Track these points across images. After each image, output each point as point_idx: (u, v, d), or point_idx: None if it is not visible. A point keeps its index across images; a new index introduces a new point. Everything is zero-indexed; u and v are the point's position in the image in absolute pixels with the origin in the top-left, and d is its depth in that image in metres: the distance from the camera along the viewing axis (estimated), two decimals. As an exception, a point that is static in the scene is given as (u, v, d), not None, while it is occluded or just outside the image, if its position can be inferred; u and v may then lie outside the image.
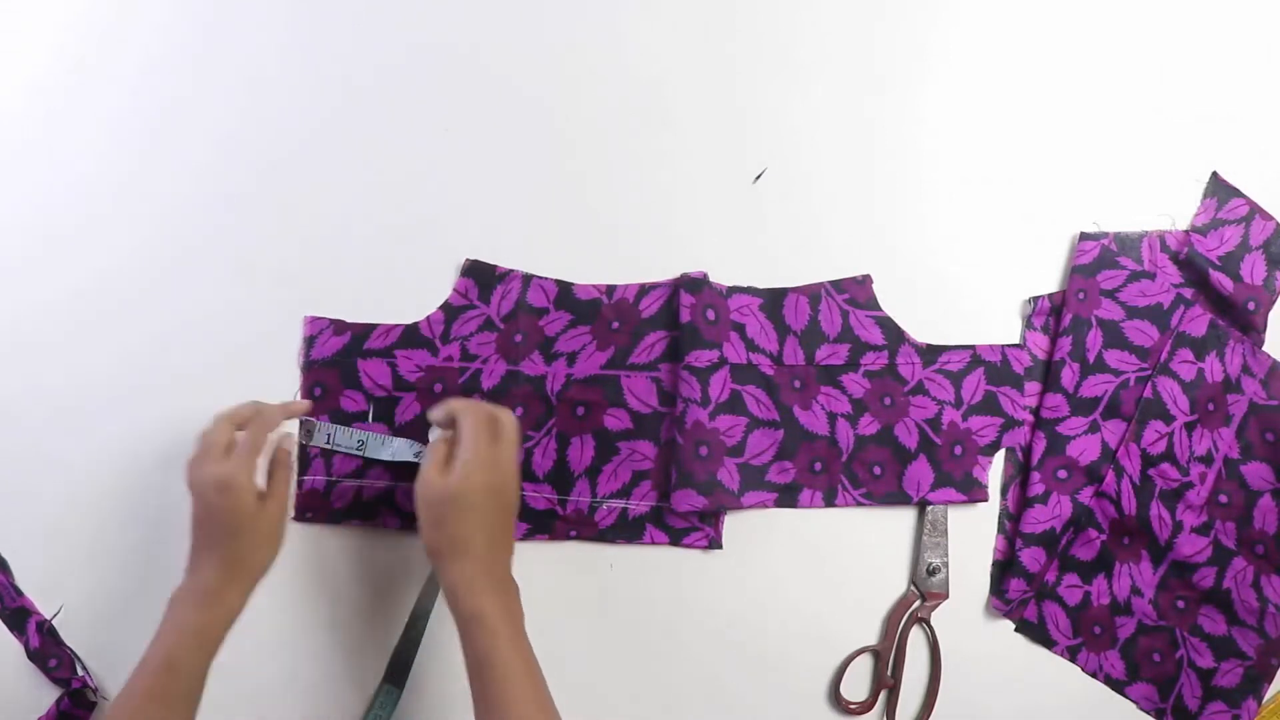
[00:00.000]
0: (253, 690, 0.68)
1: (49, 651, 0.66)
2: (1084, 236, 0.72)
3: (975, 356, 0.72)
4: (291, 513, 0.65)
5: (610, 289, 0.70)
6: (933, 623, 0.71)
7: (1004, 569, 0.71)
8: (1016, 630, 0.72)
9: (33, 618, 0.67)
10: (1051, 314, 0.72)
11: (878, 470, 0.71)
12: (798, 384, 0.71)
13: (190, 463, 0.60)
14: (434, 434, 0.64)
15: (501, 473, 0.59)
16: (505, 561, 0.60)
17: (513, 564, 0.61)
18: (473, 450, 0.58)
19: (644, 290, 0.70)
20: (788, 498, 0.70)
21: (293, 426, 0.68)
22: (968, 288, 0.72)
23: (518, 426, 0.62)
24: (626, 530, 0.70)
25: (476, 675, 0.56)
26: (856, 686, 0.71)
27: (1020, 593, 0.71)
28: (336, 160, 0.70)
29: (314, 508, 0.68)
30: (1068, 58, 0.74)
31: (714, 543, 0.70)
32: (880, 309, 0.71)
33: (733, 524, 0.70)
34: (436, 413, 0.62)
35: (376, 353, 0.69)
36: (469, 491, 0.57)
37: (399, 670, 0.68)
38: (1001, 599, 0.71)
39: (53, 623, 0.67)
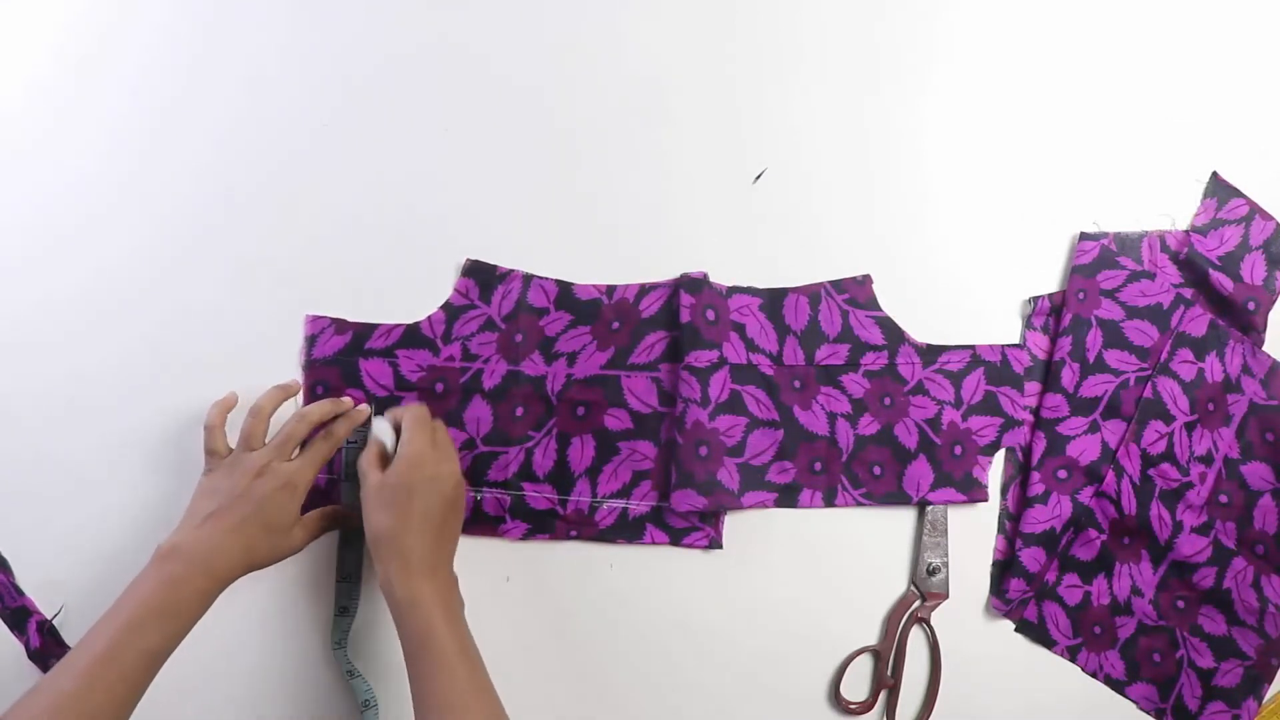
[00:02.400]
0: (252, 688, 0.68)
1: (49, 651, 0.66)
2: (1084, 236, 0.72)
3: (975, 356, 0.72)
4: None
5: (610, 289, 0.70)
6: (933, 623, 0.71)
7: (1004, 569, 0.72)
8: (1016, 630, 0.72)
9: (33, 618, 0.67)
10: (1051, 314, 0.72)
11: (878, 470, 0.71)
12: (798, 384, 0.71)
13: (247, 438, 0.62)
14: (375, 430, 0.65)
15: (440, 465, 0.61)
16: (446, 554, 0.61)
17: (455, 558, 0.61)
18: (410, 444, 0.60)
19: (644, 290, 0.70)
20: (788, 498, 0.70)
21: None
22: (968, 288, 0.72)
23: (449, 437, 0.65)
24: (627, 530, 0.70)
25: (412, 659, 0.56)
26: (856, 686, 0.71)
27: (1020, 593, 0.71)
28: (336, 160, 0.70)
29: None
30: (1068, 58, 0.74)
31: (714, 543, 0.70)
32: (880, 309, 0.71)
33: (733, 524, 0.70)
34: (386, 415, 0.65)
35: (378, 352, 0.69)
36: (406, 483, 0.59)
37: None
38: (1001, 599, 0.71)
39: (53, 623, 0.67)
